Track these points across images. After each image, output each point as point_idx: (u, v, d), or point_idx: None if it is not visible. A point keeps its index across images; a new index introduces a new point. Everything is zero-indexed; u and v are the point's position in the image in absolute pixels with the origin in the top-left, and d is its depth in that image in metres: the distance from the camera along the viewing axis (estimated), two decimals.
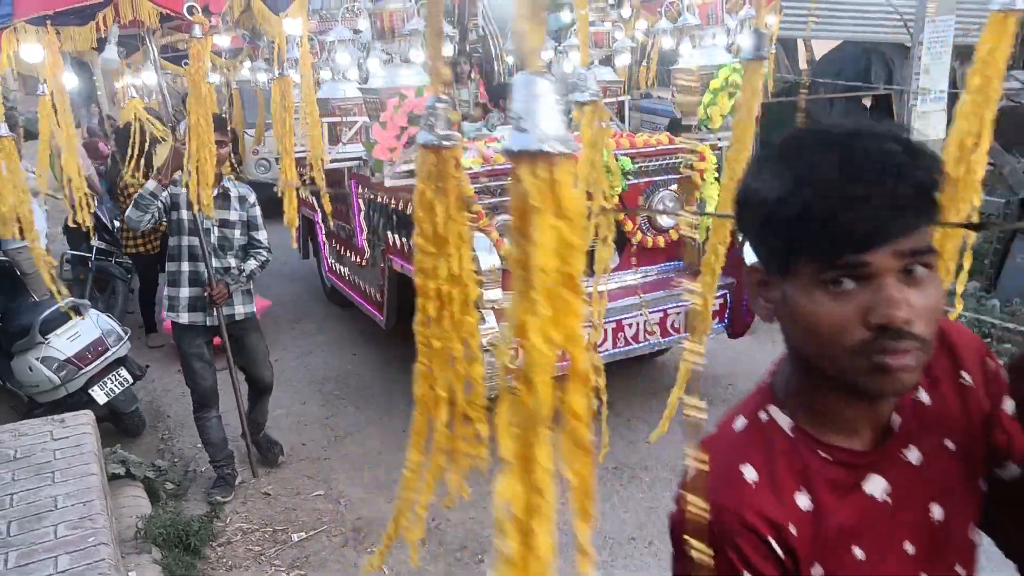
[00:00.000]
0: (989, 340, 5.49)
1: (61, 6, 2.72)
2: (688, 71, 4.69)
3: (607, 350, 4.25)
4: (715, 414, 0.98)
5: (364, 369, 5.52)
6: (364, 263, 5.39)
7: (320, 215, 6.40)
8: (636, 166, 4.41)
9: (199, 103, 3.06)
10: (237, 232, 3.77)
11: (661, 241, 4.61)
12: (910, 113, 5.97)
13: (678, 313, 4.41)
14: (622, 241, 4.62)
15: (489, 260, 3.71)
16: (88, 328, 4.37)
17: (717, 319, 4.57)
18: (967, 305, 5.68)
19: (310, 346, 6.03)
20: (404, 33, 3.76)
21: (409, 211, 4.47)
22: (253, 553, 3.46)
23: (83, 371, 4.26)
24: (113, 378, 4.39)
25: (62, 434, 3.48)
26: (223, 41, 4.46)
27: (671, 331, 4.42)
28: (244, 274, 3.78)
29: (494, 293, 3.72)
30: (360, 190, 5.23)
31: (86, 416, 3.67)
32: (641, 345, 4.35)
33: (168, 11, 2.79)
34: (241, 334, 3.90)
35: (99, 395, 4.32)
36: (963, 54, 10.70)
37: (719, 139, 4.72)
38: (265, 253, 3.89)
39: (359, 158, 5.04)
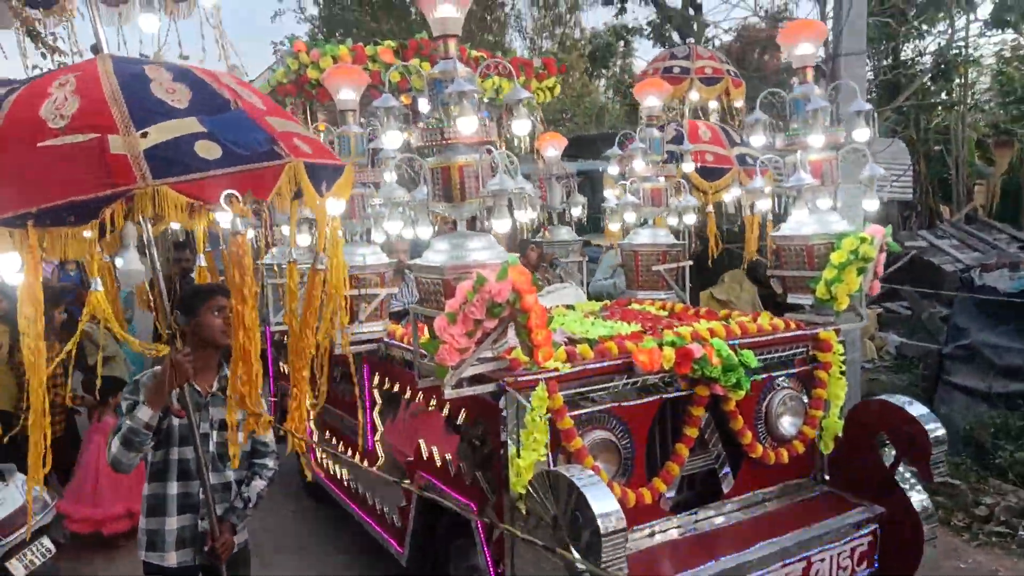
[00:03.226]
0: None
1: (50, 200, 1.97)
2: (800, 239, 3.81)
3: None
4: None
5: (302, 525, 5.28)
6: (374, 471, 4.13)
7: None
8: (761, 361, 3.39)
9: (247, 310, 2.16)
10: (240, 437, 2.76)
11: (785, 455, 3.52)
12: None
13: (823, 560, 3.26)
14: (736, 458, 3.51)
15: (604, 505, 2.49)
16: (11, 495, 3.96)
17: (864, 565, 3.43)
18: None
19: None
20: (483, 194, 2.75)
21: (459, 421, 3.31)
22: None
23: (3, 543, 3.87)
24: (35, 549, 4.03)
25: None
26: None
27: None
28: (251, 504, 2.85)
29: (614, 551, 2.49)
30: (376, 380, 4.06)
31: None
32: None
33: (200, 201, 1.96)
34: (231, 572, 2.85)
35: (18, 568, 3.96)
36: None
37: (840, 324, 3.79)
38: (271, 463, 2.95)
39: (379, 339, 3.94)
